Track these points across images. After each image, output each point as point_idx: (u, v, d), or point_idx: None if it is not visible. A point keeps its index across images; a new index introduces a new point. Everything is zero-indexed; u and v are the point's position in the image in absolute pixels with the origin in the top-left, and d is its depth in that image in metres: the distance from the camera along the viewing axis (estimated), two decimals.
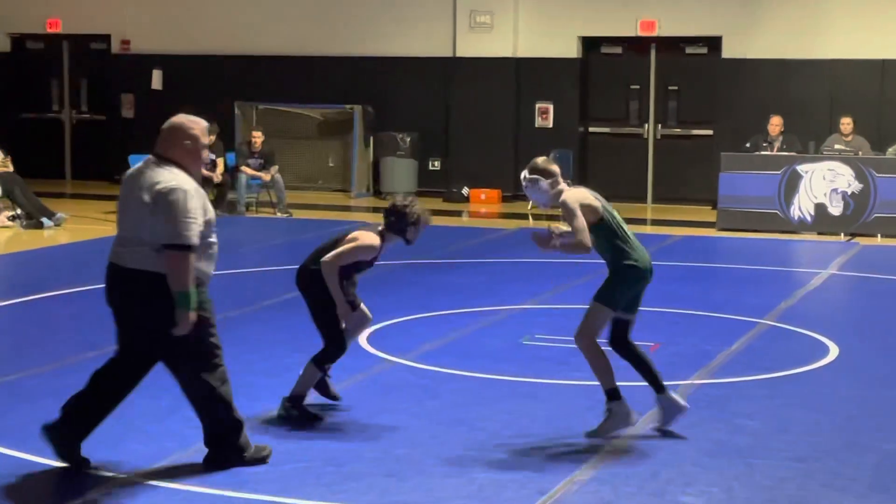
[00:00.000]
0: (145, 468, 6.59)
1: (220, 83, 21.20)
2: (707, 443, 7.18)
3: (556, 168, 7.37)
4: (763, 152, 17.45)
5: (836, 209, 16.81)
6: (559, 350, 9.57)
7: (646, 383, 7.38)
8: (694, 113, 19.89)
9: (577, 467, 6.70)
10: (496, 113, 20.21)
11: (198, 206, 6.52)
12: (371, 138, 20.67)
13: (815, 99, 18.88)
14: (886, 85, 18.68)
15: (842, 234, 16.68)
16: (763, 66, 19.13)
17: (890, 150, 17.39)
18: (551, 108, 20.20)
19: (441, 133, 20.50)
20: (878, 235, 16.53)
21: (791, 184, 16.90)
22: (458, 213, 18.90)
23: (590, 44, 20.24)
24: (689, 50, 19.92)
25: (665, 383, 7.36)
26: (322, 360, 7.65)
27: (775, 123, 17.68)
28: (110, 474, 6.50)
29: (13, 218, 16.71)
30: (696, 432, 7.37)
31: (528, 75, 20.15)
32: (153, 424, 7.44)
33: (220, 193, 18.17)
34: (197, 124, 6.79)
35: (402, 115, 20.54)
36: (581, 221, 7.01)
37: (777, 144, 17.61)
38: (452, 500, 6.19)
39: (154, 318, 6.42)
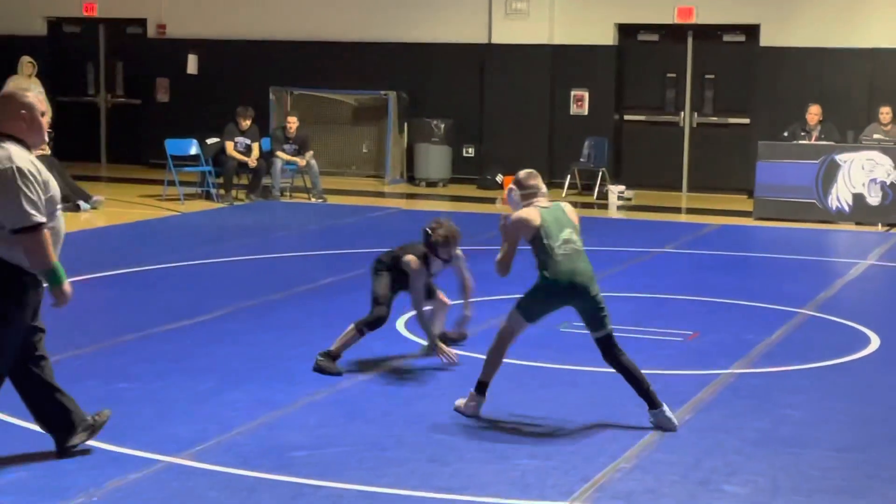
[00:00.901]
0: (187, 450, 6.59)
1: (255, 68, 21.20)
2: (750, 432, 7.13)
3: (534, 183, 7.47)
4: (801, 141, 17.32)
5: (874, 199, 16.67)
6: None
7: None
8: (730, 101, 19.76)
9: (620, 454, 6.67)
10: (531, 100, 20.14)
11: (35, 180, 6.03)
12: (405, 124, 20.63)
13: (854, 88, 18.72)
14: None
15: (878, 225, 16.55)
16: (801, 54, 18.98)
17: None
18: (587, 95, 20.10)
19: (475, 120, 20.45)
20: None
21: (829, 173, 16.77)
22: (492, 201, 18.84)
23: (626, 31, 20.13)
24: (726, 38, 19.77)
25: (660, 400, 7.17)
26: (362, 324, 8.36)
27: (814, 112, 17.54)
28: (152, 456, 6.50)
29: None
30: (738, 422, 7.33)
31: (563, 62, 20.06)
32: (194, 407, 7.44)
33: (255, 178, 18.19)
34: (30, 91, 6.34)
35: (436, 102, 20.49)
36: (505, 249, 7.28)
37: (815, 134, 17.47)
38: (496, 486, 6.17)
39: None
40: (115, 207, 16.96)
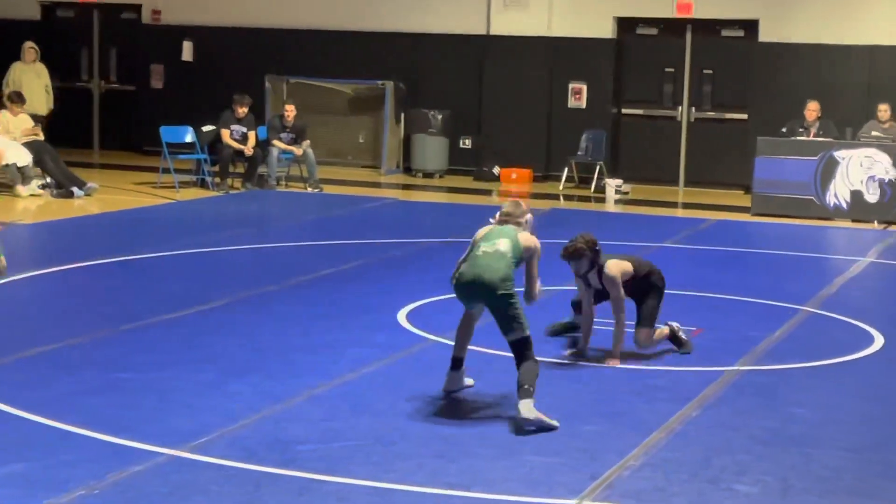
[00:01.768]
0: (190, 443, 6.50)
1: (251, 56, 21.07)
2: (759, 431, 7.05)
3: (506, 211, 7.66)
4: (799, 138, 17.26)
5: (872, 196, 16.63)
6: (601, 332, 9.44)
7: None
8: (729, 96, 19.69)
9: (628, 452, 6.59)
10: (529, 92, 20.04)
11: None
12: (402, 115, 20.52)
13: (853, 85, 18.67)
14: None
15: (875, 222, 16.50)
16: (800, 50, 18.92)
17: None
18: (585, 88, 20.01)
19: (473, 111, 20.35)
20: None
21: (828, 170, 16.72)
22: (489, 193, 18.76)
23: (625, 24, 20.03)
24: (725, 33, 19.70)
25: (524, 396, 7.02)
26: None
27: (812, 109, 17.48)
28: (155, 449, 6.40)
29: (44, 186, 16.64)
30: (746, 420, 7.26)
31: (562, 55, 19.96)
32: (196, 399, 7.34)
33: (250, 167, 18.07)
34: None
35: (434, 92, 20.39)
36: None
37: (813, 130, 17.41)
38: (504, 483, 6.09)
39: None
40: (108, 194, 16.83)
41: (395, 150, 20.65)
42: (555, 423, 6.96)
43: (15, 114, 17.04)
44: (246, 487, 5.93)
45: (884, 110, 17.34)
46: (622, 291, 8.56)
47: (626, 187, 18.66)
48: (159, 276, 11.43)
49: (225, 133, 17.91)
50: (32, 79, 18.90)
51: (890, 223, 16.46)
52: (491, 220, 7.66)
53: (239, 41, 21.28)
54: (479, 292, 7.25)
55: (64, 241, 13.49)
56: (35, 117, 17.70)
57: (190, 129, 18.17)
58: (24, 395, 7.28)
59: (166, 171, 17.76)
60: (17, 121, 17.02)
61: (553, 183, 19.59)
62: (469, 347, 7.64)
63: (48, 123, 18.63)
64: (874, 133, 17.17)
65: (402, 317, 9.71)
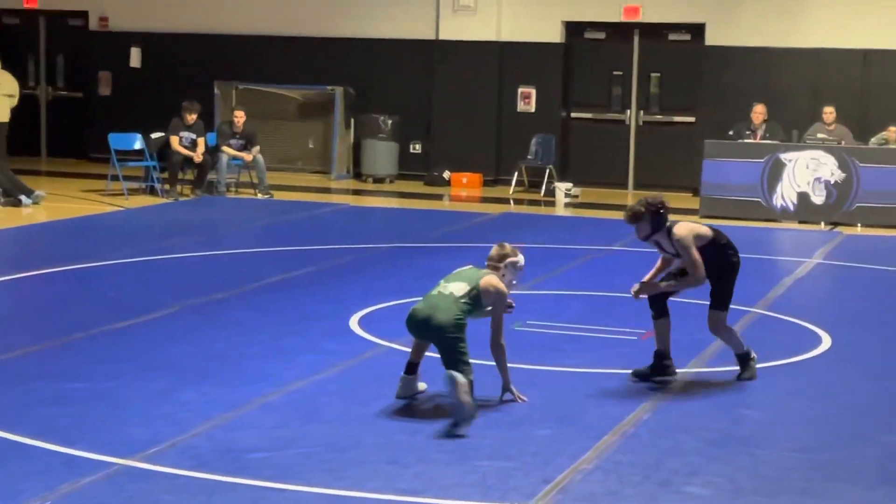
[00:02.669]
0: (142, 452, 6.47)
1: (200, 62, 20.99)
2: (709, 432, 7.12)
3: (491, 255, 7.78)
4: (746, 140, 17.42)
5: (818, 198, 16.80)
6: (552, 336, 9.51)
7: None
8: (676, 100, 19.84)
9: (580, 455, 6.63)
10: (478, 97, 20.10)
11: None
12: (352, 120, 20.51)
13: (798, 87, 18.86)
14: (869, 74, 18.67)
15: (822, 223, 16.68)
16: (746, 53, 19.09)
17: (873, 139, 17.40)
18: (534, 92, 20.09)
19: (423, 116, 20.38)
20: (859, 225, 16.54)
21: (774, 172, 16.88)
22: (440, 197, 18.80)
23: (573, 29, 20.14)
24: (672, 36, 19.84)
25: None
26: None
27: (758, 111, 17.65)
28: (107, 459, 6.37)
29: None
30: (697, 422, 7.32)
31: (511, 59, 20.04)
32: (148, 408, 7.32)
33: (200, 173, 18.00)
34: None
35: (383, 98, 20.40)
36: None
37: (760, 132, 17.58)
38: (458, 489, 6.11)
39: None
40: (57, 202, 16.72)
41: (345, 155, 20.64)
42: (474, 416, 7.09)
43: None
44: (199, 497, 5.92)
45: (829, 112, 17.52)
46: (697, 255, 7.93)
47: (575, 191, 18.76)
48: (109, 284, 11.36)
49: (174, 140, 17.83)
50: None
51: (836, 224, 16.64)
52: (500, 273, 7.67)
53: (187, 47, 21.20)
54: (429, 330, 7.39)
55: (11, 249, 13.39)
56: None
57: (139, 136, 18.08)
58: None
59: (115, 178, 17.66)
60: None
61: (503, 187, 19.66)
62: (426, 354, 7.66)
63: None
64: (820, 135, 17.35)
65: (353, 323, 9.72)
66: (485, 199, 18.85)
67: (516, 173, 19.44)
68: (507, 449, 6.71)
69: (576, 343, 9.33)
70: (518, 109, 20.14)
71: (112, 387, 7.74)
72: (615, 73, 20.07)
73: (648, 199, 8.02)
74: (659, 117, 20.01)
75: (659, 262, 8.40)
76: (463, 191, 19.61)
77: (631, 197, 19.58)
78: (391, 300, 10.53)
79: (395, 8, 20.48)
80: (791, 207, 16.91)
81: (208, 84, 20.52)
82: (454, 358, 7.29)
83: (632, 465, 6.51)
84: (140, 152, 18.03)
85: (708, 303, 8.36)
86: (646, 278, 8.36)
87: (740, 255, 8.36)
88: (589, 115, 20.29)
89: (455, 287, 7.48)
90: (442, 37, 20.23)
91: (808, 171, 16.81)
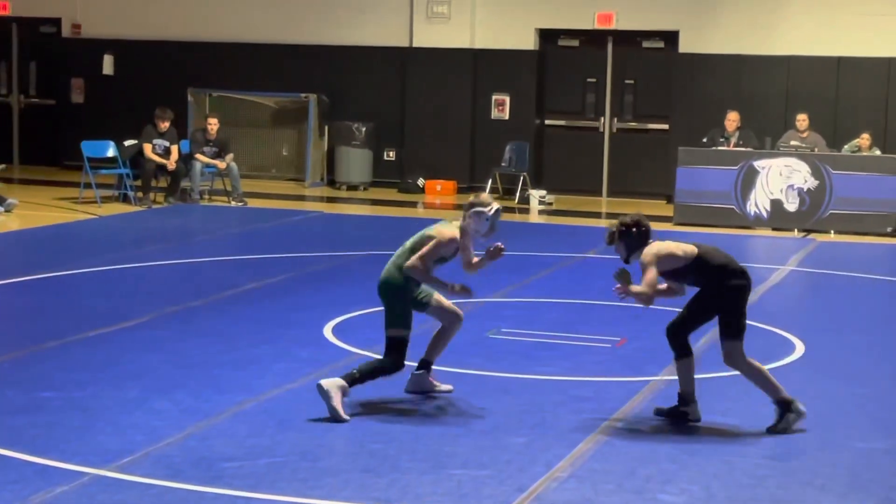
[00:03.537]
0: (115, 462, 6.44)
1: (173, 69, 20.93)
2: (683, 440, 7.13)
3: (467, 202, 7.97)
4: (720, 147, 17.48)
5: (791, 205, 16.87)
6: (526, 344, 9.52)
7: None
8: (650, 107, 19.89)
9: (555, 463, 6.63)
10: (452, 104, 20.11)
11: None
12: (326, 127, 20.50)
13: (772, 95, 18.95)
14: (842, 82, 18.77)
15: (795, 230, 16.75)
16: (719, 61, 19.17)
17: (846, 146, 17.48)
18: (508, 99, 20.12)
19: (397, 123, 20.37)
20: (832, 232, 16.61)
21: (748, 179, 16.95)
22: (414, 204, 18.79)
23: (547, 36, 20.18)
24: (645, 44, 19.90)
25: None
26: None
27: (732, 119, 17.72)
28: (80, 469, 6.33)
29: None
30: (671, 429, 7.34)
31: (484, 67, 20.06)
32: (121, 417, 7.28)
33: (173, 181, 17.94)
34: None
35: (357, 105, 20.38)
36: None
37: (734, 140, 17.65)
38: (432, 497, 6.10)
39: None
40: (29, 210, 16.63)
41: (319, 162, 20.62)
42: (346, 418, 7.24)
43: None
44: None
45: (802, 120, 17.61)
46: (653, 274, 7.40)
47: (549, 198, 18.79)
48: (82, 292, 11.31)
49: (147, 147, 17.77)
50: None
51: (809, 231, 16.71)
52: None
53: (160, 55, 21.13)
54: (379, 291, 7.63)
55: None
56: None
57: (111, 143, 18.02)
58: None
59: (88, 186, 17.59)
60: None
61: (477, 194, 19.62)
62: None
63: None
64: (793, 142, 17.44)
65: (327, 331, 9.70)
66: (459, 207, 18.74)
67: (490, 180, 19.45)
68: (481, 457, 6.71)
69: (550, 350, 9.33)
70: (492, 116, 20.17)
71: (85, 396, 7.70)
72: (589, 80, 20.12)
73: (624, 217, 7.65)
74: (633, 124, 20.06)
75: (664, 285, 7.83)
76: (437, 198, 19.61)
77: (605, 204, 19.64)
78: (365, 308, 10.50)
79: (368, 15, 20.47)
80: (764, 215, 16.97)
81: (182, 91, 20.46)
82: (389, 312, 7.56)
83: (606, 473, 6.51)
84: (113, 160, 17.96)
85: (678, 308, 8.25)
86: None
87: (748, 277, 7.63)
88: (563, 123, 20.32)
89: (407, 243, 7.70)
90: (416, 44, 20.24)
91: (781, 178, 16.88)
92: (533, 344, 9.45)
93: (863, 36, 18.63)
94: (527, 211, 18.45)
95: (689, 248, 7.61)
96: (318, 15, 20.70)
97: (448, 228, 7.73)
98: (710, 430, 7.36)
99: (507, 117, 20.13)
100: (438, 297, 7.87)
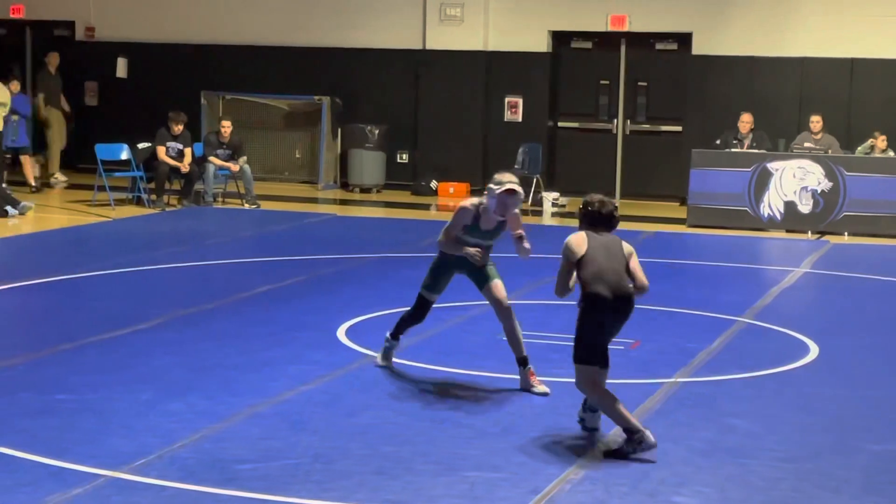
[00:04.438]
0: (130, 464, 6.45)
1: (186, 72, 20.98)
2: (697, 442, 7.12)
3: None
4: (733, 149, 17.46)
5: (805, 207, 16.84)
6: (539, 346, 9.49)
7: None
8: (663, 109, 19.87)
9: (569, 466, 6.62)
10: (465, 106, 20.12)
11: None
12: (339, 130, 20.52)
13: (785, 97, 18.91)
14: (855, 83, 18.72)
15: (808, 232, 16.71)
16: (733, 62, 19.14)
17: (859, 148, 17.44)
18: (521, 102, 20.12)
19: (410, 126, 20.38)
20: (846, 234, 16.57)
21: (761, 181, 16.92)
22: (426, 207, 18.79)
23: (560, 38, 20.17)
24: (659, 46, 19.88)
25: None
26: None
27: (745, 121, 17.70)
28: (94, 471, 6.34)
29: None
30: (685, 431, 7.32)
31: (497, 69, 20.07)
32: (135, 419, 7.29)
33: (187, 184, 17.98)
34: None
35: (370, 107, 20.40)
36: None
37: (747, 142, 17.62)
38: (445, 499, 6.10)
39: None
40: (43, 213, 16.68)
41: (332, 165, 20.64)
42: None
43: None
44: None
45: (816, 121, 17.57)
46: (563, 266, 7.09)
47: (562, 200, 18.78)
48: (96, 295, 11.33)
49: (161, 150, 17.81)
50: None
51: (823, 233, 16.67)
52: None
53: (174, 57, 21.18)
54: None
55: None
56: None
57: (125, 146, 18.06)
58: None
59: (101, 188, 17.63)
60: None
61: None
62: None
63: None
64: (807, 144, 17.40)
65: (341, 333, 9.70)
66: None
67: None
68: (494, 459, 6.70)
69: (564, 353, 9.27)
70: (505, 119, 20.17)
71: (99, 398, 7.72)
72: (602, 82, 20.11)
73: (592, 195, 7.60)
74: (646, 126, 20.04)
75: None
76: (450, 201, 19.61)
77: (618, 206, 19.57)
78: (378, 311, 10.52)
79: (381, 17, 20.49)
80: (778, 216, 16.94)
81: (195, 94, 20.50)
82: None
83: (619, 476, 6.50)
84: (127, 163, 18.00)
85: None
86: None
87: (613, 293, 7.12)
88: (576, 125, 20.31)
89: None
90: (429, 46, 20.25)
91: (794, 180, 16.84)
92: (547, 346, 9.44)
93: (876, 38, 18.58)
94: (540, 213, 18.44)
95: (581, 250, 7.19)
96: (331, 18, 20.72)
97: (467, 200, 8.19)
98: (724, 433, 7.34)
99: (520, 119, 20.13)
100: (494, 283, 8.24)
